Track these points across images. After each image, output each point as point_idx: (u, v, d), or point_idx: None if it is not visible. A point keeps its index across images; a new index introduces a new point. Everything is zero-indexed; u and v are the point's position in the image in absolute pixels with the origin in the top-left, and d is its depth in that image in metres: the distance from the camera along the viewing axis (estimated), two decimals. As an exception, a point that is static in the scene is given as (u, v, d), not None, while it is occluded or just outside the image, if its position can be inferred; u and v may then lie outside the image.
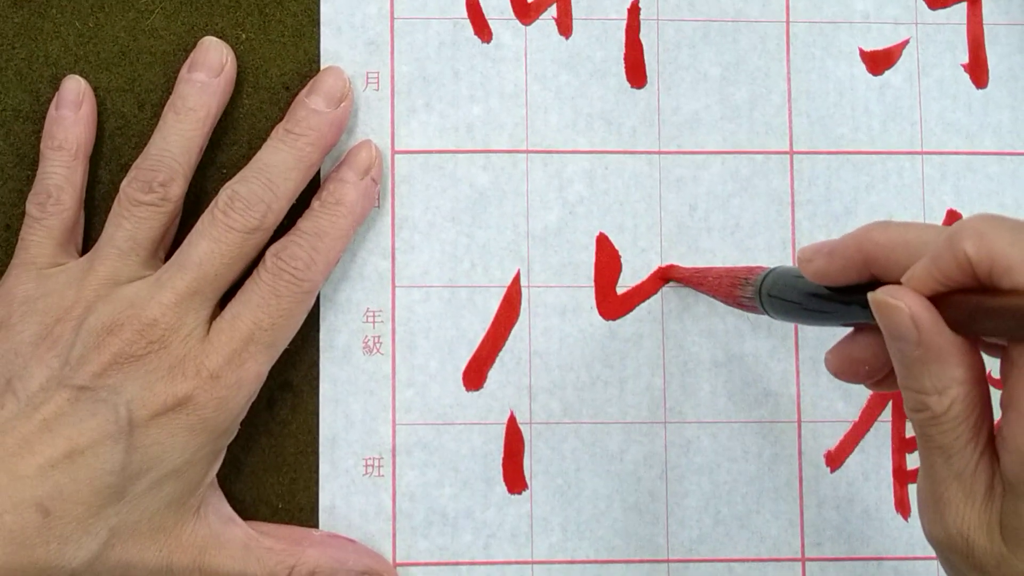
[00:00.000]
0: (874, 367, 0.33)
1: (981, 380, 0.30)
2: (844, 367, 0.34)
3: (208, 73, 0.41)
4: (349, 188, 0.40)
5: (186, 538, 0.38)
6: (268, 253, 0.39)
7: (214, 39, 0.42)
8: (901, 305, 0.29)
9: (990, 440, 0.30)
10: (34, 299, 0.39)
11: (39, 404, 0.36)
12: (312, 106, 0.40)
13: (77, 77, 0.42)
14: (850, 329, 0.35)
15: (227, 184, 0.39)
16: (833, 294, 0.33)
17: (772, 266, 0.37)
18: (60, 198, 0.40)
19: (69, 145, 0.41)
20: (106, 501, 0.36)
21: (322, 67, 0.43)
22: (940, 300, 0.29)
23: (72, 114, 0.41)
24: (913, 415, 0.31)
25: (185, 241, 0.39)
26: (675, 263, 0.43)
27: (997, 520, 0.30)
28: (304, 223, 0.40)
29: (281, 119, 0.41)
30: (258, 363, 0.38)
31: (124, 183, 0.40)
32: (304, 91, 0.41)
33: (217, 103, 0.41)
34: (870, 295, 0.30)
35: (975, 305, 0.29)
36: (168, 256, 0.40)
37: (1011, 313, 0.28)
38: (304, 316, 0.40)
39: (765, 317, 0.40)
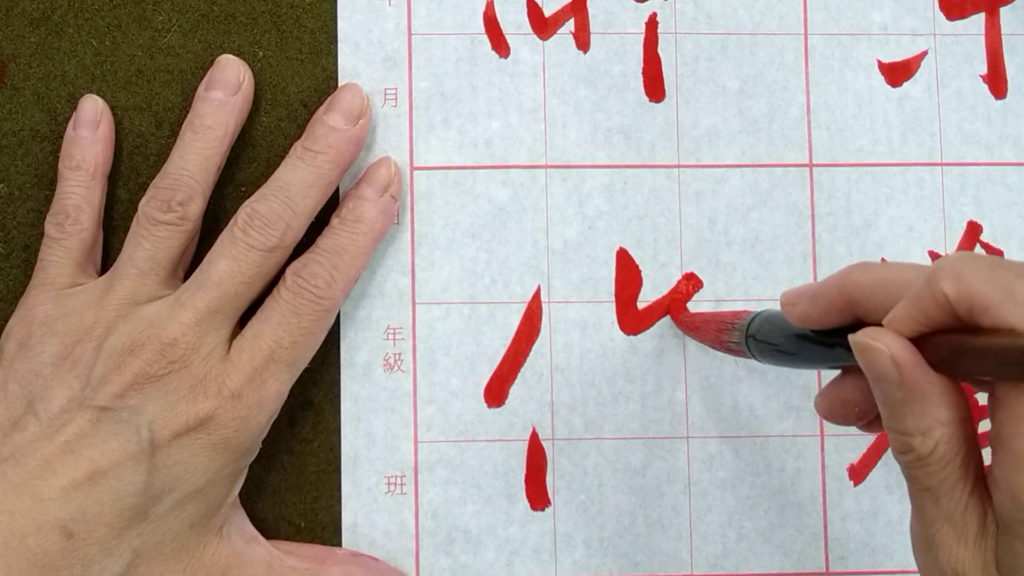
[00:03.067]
0: (864, 409, 0.33)
1: (966, 419, 0.30)
2: (834, 409, 0.34)
3: (226, 91, 0.41)
4: (368, 205, 0.40)
5: (209, 558, 0.38)
6: (288, 271, 0.39)
7: (231, 57, 0.41)
8: (881, 347, 0.29)
9: (979, 478, 0.30)
10: (54, 320, 0.39)
11: (61, 426, 0.36)
12: (330, 123, 0.40)
13: (95, 97, 0.42)
14: (837, 372, 0.34)
15: (246, 202, 0.39)
16: (818, 337, 0.33)
17: (757, 310, 0.37)
18: (79, 218, 0.40)
19: (87, 165, 0.40)
20: (129, 522, 0.36)
21: (340, 84, 0.43)
22: (922, 341, 0.29)
23: (90, 134, 0.41)
24: (899, 457, 0.30)
25: (205, 260, 0.39)
26: (694, 271, 0.43)
27: (992, 559, 0.29)
28: (324, 241, 0.40)
29: (299, 136, 0.41)
30: (279, 382, 0.38)
31: (142, 202, 0.39)
32: (322, 108, 0.41)
33: (235, 121, 0.41)
34: (851, 337, 0.30)
35: (956, 345, 0.28)
36: (187, 275, 0.40)
37: (992, 352, 0.28)
38: (324, 334, 0.40)
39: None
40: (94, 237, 0.41)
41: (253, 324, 0.39)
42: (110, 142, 0.41)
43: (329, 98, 0.41)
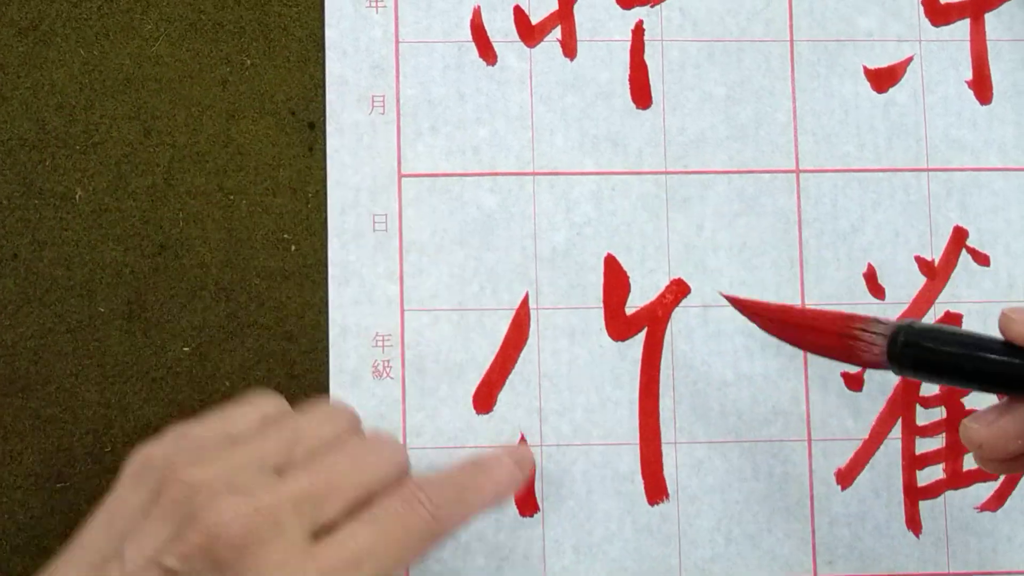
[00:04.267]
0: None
1: None
2: (996, 442, 0.32)
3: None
4: (506, 469, 0.39)
5: None
6: (409, 482, 0.36)
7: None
8: None
9: None
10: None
11: None
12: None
13: None
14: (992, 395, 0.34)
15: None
16: (1010, 356, 0.32)
17: (897, 322, 0.36)
18: None
19: None
20: None
21: (327, 90, 0.43)
22: None
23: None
24: None
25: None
26: (682, 277, 0.43)
27: None
28: (452, 473, 0.38)
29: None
30: None
31: None
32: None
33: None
34: None
35: None
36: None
37: None
38: (416, 559, 0.38)
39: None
40: None
41: (351, 523, 0.35)
42: None
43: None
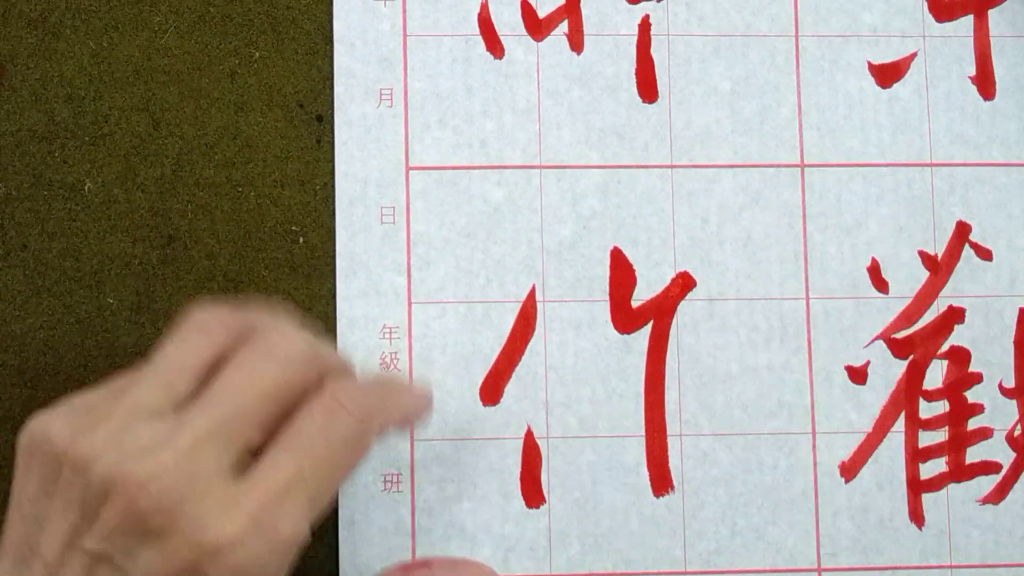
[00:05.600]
0: None
1: None
2: None
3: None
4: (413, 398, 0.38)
5: None
6: (325, 390, 0.34)
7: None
8: None
9: None
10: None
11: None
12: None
13: None
14: None
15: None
16: None
17: None
18: None
19: None
20: None
21: (335, 83, 0.43)
22: None
23: None
24: None
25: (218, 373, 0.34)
26: (688, 271, 0.43)
27: None
28: (372, 378, 0.37)
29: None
30: (295, 522, 0.32)
31: None
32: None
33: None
34: None
35: None
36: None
37: None
38: (352, 471, 0.34)
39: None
40: None
41: (272, 450, 0.32)
42: None
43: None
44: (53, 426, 0.32)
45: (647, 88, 0.44)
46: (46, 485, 0.32)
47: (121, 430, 0.32)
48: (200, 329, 0.34)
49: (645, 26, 0.44)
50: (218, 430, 0.32)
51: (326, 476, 0.33)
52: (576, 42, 0.44)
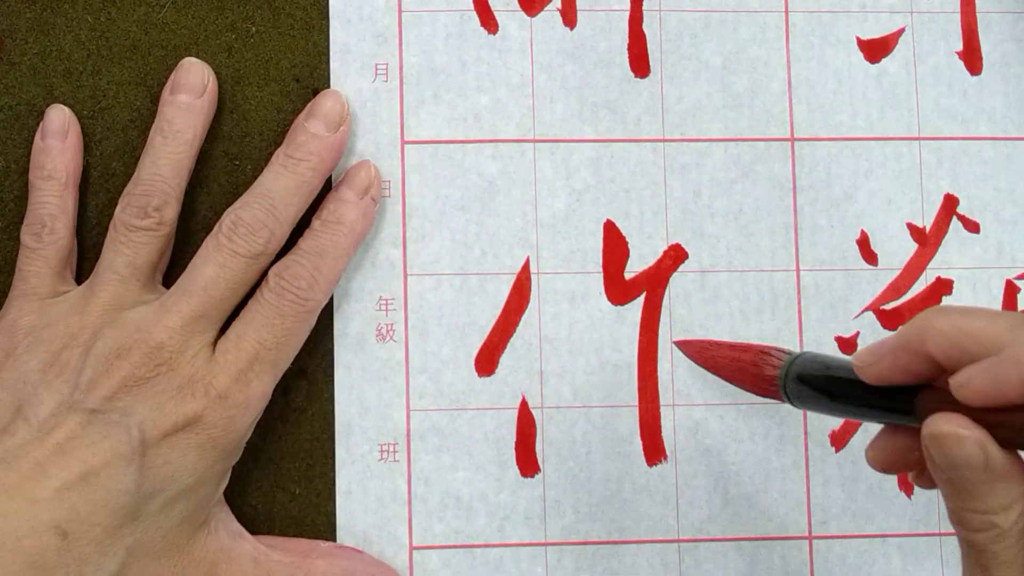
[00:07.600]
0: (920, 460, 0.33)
1: None
2: (894, 461, 0.34)
3: (191, 94, 0.41)
4: (349, 207, 0.41)
5: (198, 554, 0.39)
6: (271, 273, 0.40)
7: (195, 60, 0.42)
8: (968, 435, 0.29)
9: None
10: (39, 328, 0.39)
11: (51, 429, 0.36)
12: (312, 130, 0.41)
13: (61, 106, 0.42)
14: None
15: (230, 209, 0.40)
16: (875, 394, 0.33)
17: (793, 351, 0.37)
18: (55, 227, 0.40)
19: (59, 174, 0.41)
20: (122, 521, 0.36)
21: (331, 58, 0.43)
22: (989, 417, 0.29)
23: (59, 143, 0.41)
24: (975, 536, 0.31)
25: (190, 265, 0.40)
26: (680, 243, 0.44)
27: None
28: (305, 243, 0.40)
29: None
30: (263, 382, 0.39)
31: (118, 209, 0.40)
32: (303, 115, 0.42)
33: (202, 124, 0.41)
34: (928, 431, 0.30)
35: None
36: (167, 276, 0.41)
37: None
38: (306, 335, 0.40)
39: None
40: (70, 245, 0.41)
41: (237, 326, 0.39)
42: (79, 151, 0.42)
43: (309, 105, 0.42)
44: (52, 312, 0.39)
45: (639, 63, 0.45)
46: (43, 367, 0.38)
47: (115, 309, 0.39)
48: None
49: (637, 2, 0.45)
50: (201, 314, 0.39)
51: (283, 341, 0.39)
52: (569, 17, 0.44)
